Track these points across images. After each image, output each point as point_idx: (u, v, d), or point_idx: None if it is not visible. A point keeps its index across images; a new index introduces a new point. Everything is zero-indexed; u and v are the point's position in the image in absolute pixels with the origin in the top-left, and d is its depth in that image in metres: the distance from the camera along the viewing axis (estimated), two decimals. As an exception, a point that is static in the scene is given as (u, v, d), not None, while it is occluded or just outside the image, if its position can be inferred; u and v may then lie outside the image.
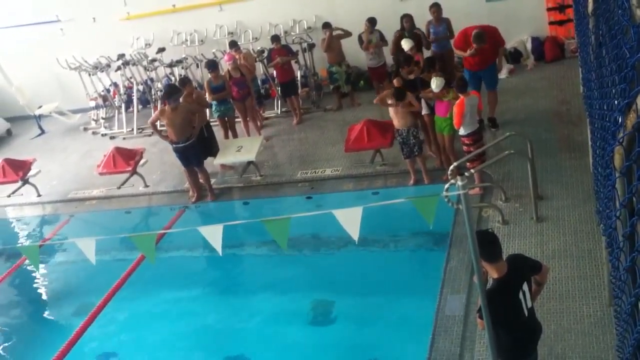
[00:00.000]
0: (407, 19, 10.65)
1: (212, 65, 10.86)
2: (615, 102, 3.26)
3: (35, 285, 9.31)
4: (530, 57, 11.96)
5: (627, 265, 2.80)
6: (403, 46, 9.66)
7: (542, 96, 10.48)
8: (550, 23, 11.93)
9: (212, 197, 9.93)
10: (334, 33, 11.56)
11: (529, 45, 11.98)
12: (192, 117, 9.65)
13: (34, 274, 9.41)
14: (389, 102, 8.46)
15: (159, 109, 9.81)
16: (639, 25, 2.67)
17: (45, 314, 8.77)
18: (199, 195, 9.98)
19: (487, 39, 9.16)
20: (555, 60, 11.72)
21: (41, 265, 9.20)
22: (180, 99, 9.55)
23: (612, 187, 3.26)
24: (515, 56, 11.97)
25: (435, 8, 10.49)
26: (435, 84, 8.10)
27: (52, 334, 8.08)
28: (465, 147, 8.12)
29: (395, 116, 8.57)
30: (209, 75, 10.83)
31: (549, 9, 11.87)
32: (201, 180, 10.02)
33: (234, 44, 11.70)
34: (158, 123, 10.67)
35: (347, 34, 11.64)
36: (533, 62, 11.87)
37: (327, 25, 11.55)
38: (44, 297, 9.10)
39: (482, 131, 8.51)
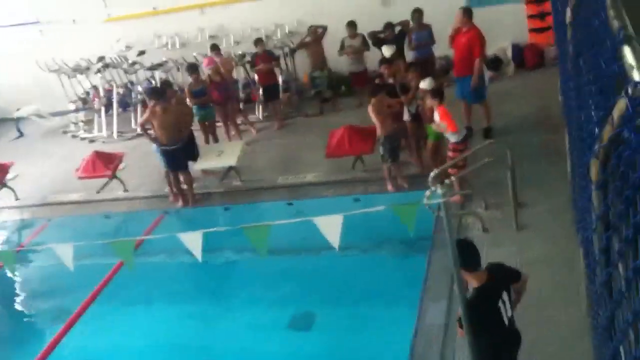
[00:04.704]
0: (390, 31, 10.69)
1: (193, 68, 10.80)
2: (592, 113, 3.26)
3: (12, 291, 9.15)
4: (511, 64, 12.04)
5: (603, 279, 2.78)
6: (384, 53, 9.68)
7: (523, 103, 10.54)
8: (531, 30, 12.01)
9: (193, 202, 9.83)
10: (308, 39, 11.62)
11: (509, 52, 12.06)
12: (187, 118, 9.52)
13: (10, 280, 9.25)
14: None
15: (149, 109, 9.49)
16: (615, 36, 2.67)
17: (23, 320, 8.61)
18: (185, 199, 9.86)
19: (466, 43, 9.11)
20: (536, 68, 11.80)
21: (18, 271, 9.06)
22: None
23: (588, 200, 3.25)
24: (495, 63, 12.03)
25: (417, 14, 10.52)
26: (426, 83, 8.12)
27: (29, 340, 7.96)
28: (451, 154, 8.07)
29: (383, 124, 8.39)
30: (190, 79, 10.75)
31: (529, 17, 11.96)
32: (183, 186, 9.92)
33: (215, 47, 11.66)
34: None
35: (323, 28, 11.70)
36: (514, 69, 11.94)
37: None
38: (21, 302, 8.95)
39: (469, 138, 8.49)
